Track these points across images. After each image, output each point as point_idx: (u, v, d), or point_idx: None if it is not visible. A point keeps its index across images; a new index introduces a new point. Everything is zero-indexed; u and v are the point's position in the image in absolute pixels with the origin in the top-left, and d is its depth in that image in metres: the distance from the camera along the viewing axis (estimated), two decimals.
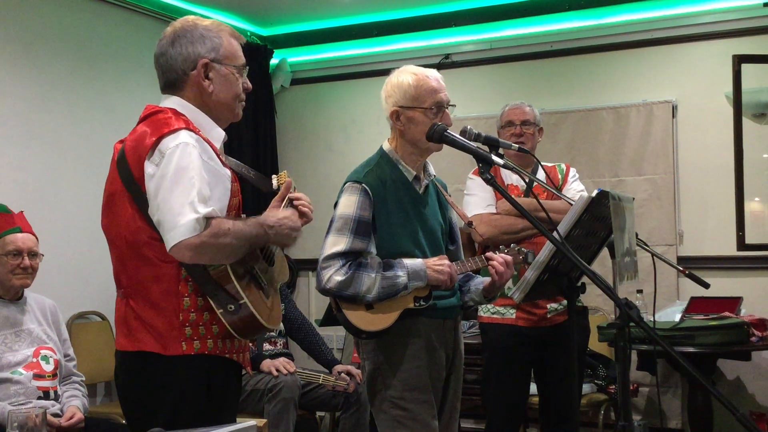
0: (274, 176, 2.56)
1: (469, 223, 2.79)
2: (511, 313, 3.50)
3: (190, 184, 2.01)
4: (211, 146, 2.16)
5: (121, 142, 2.22)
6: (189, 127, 2.12)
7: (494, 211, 3.52)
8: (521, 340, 3.48)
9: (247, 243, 2.11)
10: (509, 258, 2.71)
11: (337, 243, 2.58)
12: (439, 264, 2.62)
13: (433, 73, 2.71)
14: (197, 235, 1.98)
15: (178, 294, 2.10)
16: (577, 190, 3.59)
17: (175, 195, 2.01)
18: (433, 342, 2.70)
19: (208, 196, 2.04)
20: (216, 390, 2.17)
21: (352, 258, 2.58)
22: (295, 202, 2.39)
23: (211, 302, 2.10)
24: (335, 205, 2.67)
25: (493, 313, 3.56)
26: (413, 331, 2.66)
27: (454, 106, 2.72)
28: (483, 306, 3.58)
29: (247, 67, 2.32)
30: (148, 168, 2.07)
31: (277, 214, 2.24)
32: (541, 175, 3.57)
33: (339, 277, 2.55)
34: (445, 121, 2.65)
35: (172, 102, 2.22)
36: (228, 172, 2.19)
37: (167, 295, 2.10)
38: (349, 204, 2.61)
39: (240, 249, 2.09)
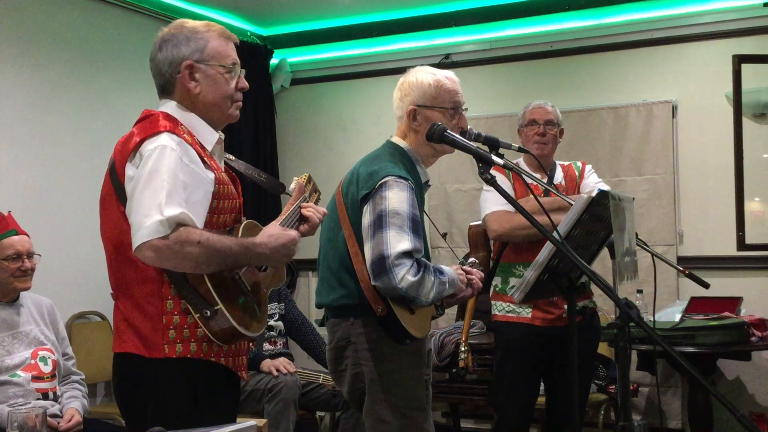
0: (295, 178, 2.53)
1: (444, 235, 2.80)
2: (527, 312, 3.48)
3: (160, 187, 2.01)
4: (198, 150, 2.14)
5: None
6: (174, 130, 2.11)
7: (511, 209, 3.50)
8: (536, 339, 3.46)
9: (220, 258, 2.06)
10: (482, 274, 2.75)
11: (402, 240, 2.44)
12: (461, 275, 2.63)
13: (451, 75, 2.73)
14: (161, 238, 1.97)
15: (161, 296, 2.09)
16: (594, 182, 3.58)
17: (144, 196, 2.01)
18: (428, 347, 2.72)
19: (183, 200, 2.03)
20: (204, 394, 2.14)
21: (416, 258, 2.47)
22: (302, 209, 2.38)
23: (188, 306, 2.09)
24: (363, 197, 2.55)
25: (508, 312, 3.53)
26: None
27: (466, 109, 2.73)
28: (497, 304, 3.57)
29: (238, 66, 2.28)
30: (129, 170, 2.08)
31: (264, 231, 2.18)
32: (558, 175, 3.60)
33: (411, 278, 2.42)
34: (461, 124, 2.68)
35: (166, 106, 2.23)
36: (211, 175, 2.15)
37: (151, 298, 2.10)
38: (401, 200, 2.49)
39: (210, 263, 2.05)
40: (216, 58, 2.22)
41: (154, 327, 2.09)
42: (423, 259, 2.52)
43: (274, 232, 2.19)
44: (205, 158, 2.16)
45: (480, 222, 3.59)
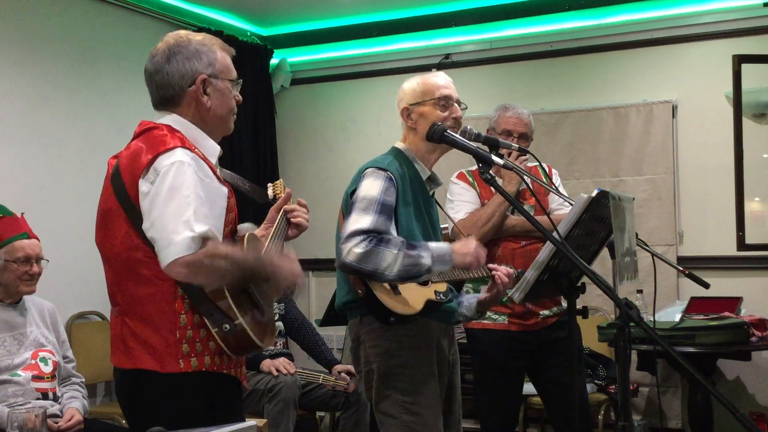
0: (270, 185, 2.54)
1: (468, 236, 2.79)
2: (503, 319, 3.46)
3: (185, 203, 2.01)
4: (207, 163, 2.16)
5: (115, 157, 2.21)
6: (185, 145, 2.12)
7: (470, 209, 3.49)
8: (514, 345, 3.45)
9: (242, 272, 2.08)
10: (510, 270, 2.75)
11: (360, 221, 2.48)
12: (465, 245, 2.58)
13: (441, 73, 2.82)
14: (192, 254, 1.98)
15: (174, 312, 2.09)
16: (557, 202, 3.51)
17: (169, 213, 2.00)
18: (442, 346, 2.71)
19: (205, 215, 2.04)
20: (219, 407, 2.16)
21: (374, 235, 2.47)
22: (289, 215, 2.39)
23: (206, 321, 2.09)
24: (351, 192, 2.62)
25: (484, 319, 3.48)
26: (425, 333, 2.65)
27: (465, 107, 2.77)
28: None
29: (241, 80, 2.32)
30: (143, 186, 2.07)
31: (274, 254, 2.20)
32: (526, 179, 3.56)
33: (359, 250, 2.42)
34: (454, 114, 2.70)
35: (168, 119, 2.22)
36: (225, 189, 2.18)
37: (163, 313, 2.09)
38: (373, 187, 2.55)
39: (234, 276, 2.07)
40: (224, 73, 2.25)
41: (168, 342, 2.09)
42: (393, 236, 2.50)
43: (283, 255, 2.21)
44: (215, 172, 2.17)
45: (447, 225, 3.55)
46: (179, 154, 2.07)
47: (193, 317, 2.10)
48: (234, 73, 2.28)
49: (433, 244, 2.55)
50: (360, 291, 2.54)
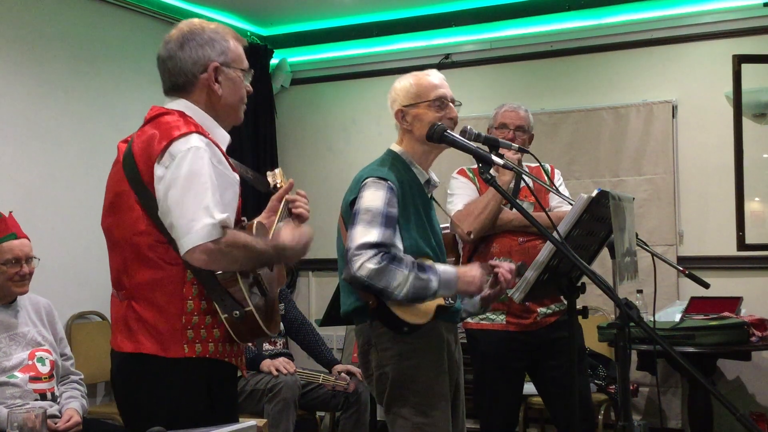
0: (269, 173, 2.55)
1: (469, 234, 2.79)
2: (501, 319, 3.45)
3: (203, 189, 2.02)
4: (220, 150, 2.17)
5: (125, 141, 2.21)
6: (199, 130, 2.12)
7: (468, 200, 3.48)
8: (514, 345, 3.44)
9: (258, 260, 2.13)
10: (512, 266, 2.73)
11: (368, 234, 2.45)
12: (470, 275, 2.58)
13: (434, 72, 2.76)
14: (215, 241, 2.00)
15: (182, 297, 2.10)
16: (557, 201, 3.51)
17: (188, 199, 2.01)
18: (451, 346, 2.72)
19: (221, 202, 2.05)
20: (217, 394, 2.17)
21: (384, 249, 2.46)
22: (291, 206, 2.40)
23: (217, 307, 2.10)
24: (351, 202, 2.59)
25: (482, 319, 3.48)
26: (435, 334, 2.64)
27: (460, 104, 2.74)
28: None
29: (252, 71, 2.33)
30: (158, 170, 2.07)
31: (287, 234, 2.20)
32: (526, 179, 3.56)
33: (372, 266, 2.41)
34: (450, 115, 2.68)
35: (179, 105, 2.22)
36: (236, 176, 2.19)
37: (171, 298, 2.10)
38: (376, 198, 2.52)
39: (249, 264, 2.11)
40: (236, 62, 2.26)
41: (173, 327, 2.09)
42: (403, 255, 2.50)
43: (295, 233, 2.21)
44: (228, 159, 2.18)
45: (448, 225, 3.55)
46: (195, 140, 2.08)
47: (200, 303, 2.11)
48: (246, 63, 2.29)
49: (441, 268, 2.54)
50: (371, 302, 2.54)
